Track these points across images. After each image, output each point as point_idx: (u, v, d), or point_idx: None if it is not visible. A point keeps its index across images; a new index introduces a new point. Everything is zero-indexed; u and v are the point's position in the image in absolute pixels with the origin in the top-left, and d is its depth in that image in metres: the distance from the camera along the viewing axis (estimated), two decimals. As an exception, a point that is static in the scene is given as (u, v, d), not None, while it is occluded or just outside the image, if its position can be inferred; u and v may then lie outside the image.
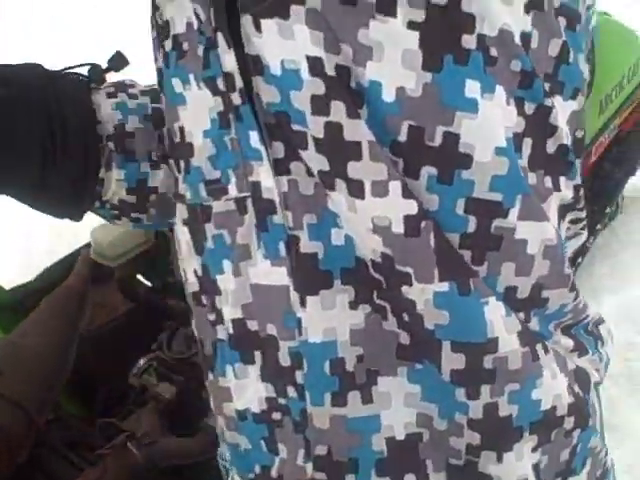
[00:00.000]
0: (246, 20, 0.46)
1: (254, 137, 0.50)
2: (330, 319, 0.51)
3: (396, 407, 0.52)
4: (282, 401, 0.55)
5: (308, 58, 0.45)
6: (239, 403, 0.57)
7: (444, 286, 0.49)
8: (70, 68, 0.72)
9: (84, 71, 0.73)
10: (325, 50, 0.45)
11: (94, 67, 0.73)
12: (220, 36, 0.49)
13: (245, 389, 0.56)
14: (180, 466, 1.26)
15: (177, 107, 0.54)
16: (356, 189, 0.47)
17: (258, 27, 0.46)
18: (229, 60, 0.49)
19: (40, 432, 1.23)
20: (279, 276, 0.52)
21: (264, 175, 0.50)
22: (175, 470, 1.26)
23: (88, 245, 1.64)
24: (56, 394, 1.30)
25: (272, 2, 0.45)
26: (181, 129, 0.54)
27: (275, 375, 0.54)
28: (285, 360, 0.53)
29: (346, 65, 0.45)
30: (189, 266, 0.58)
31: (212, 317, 0.57)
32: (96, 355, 1.46)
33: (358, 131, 0.46)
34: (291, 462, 0.56)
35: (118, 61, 0.77)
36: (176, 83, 0.53)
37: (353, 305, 0.51)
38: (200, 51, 0.51)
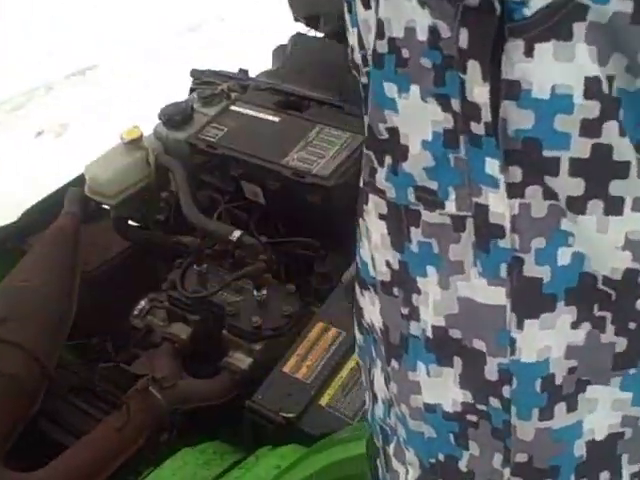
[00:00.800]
0: (515, 46, 0.43)
1: (492, 165, 0.47)
2: (547, 339, 0.50)
3: (602, 412, 0.52)
4: (481, 407, 0.54)
5: (586, 79, 0.42)
6: (429, 398, 0.56)
7: None
8: None
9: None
10: (599, 64, 0.42)
11: None
12: (474, 65, 0.44)
13: (437, 387, 0.55)
14: (201, 409, 1.22)
15: (384, 109, 0.50)
16: (614, 207, 0.46)
17: (529, 52, 0.43)
18: (480, 93, 0.45)
19: (52, 380, 1.17)
20: (496, 295, 0.50)
21: (495, 201, 0.48)
22: (196, 413, 1.22)
23: (73, 183, 1.54)
24: (63, 339, 1.23)
25: (554, 24, 0.42)
26: (391, 130, 0.51)
27: (477, 386, 0.53)
28: (492, 375, 0.52)
29: (613, 74, 0.42)
30: (381, 256, 0.56)
31: (405, 311, 0.55)
32: (92, 299, 1.39)
33: (628, 151, 0.44)
34: (485, 462, 0.55)
35: None
36: (389, 88, 0.50)
37: (574, 325, 0.50)
38: (427, 64, 0.47)
